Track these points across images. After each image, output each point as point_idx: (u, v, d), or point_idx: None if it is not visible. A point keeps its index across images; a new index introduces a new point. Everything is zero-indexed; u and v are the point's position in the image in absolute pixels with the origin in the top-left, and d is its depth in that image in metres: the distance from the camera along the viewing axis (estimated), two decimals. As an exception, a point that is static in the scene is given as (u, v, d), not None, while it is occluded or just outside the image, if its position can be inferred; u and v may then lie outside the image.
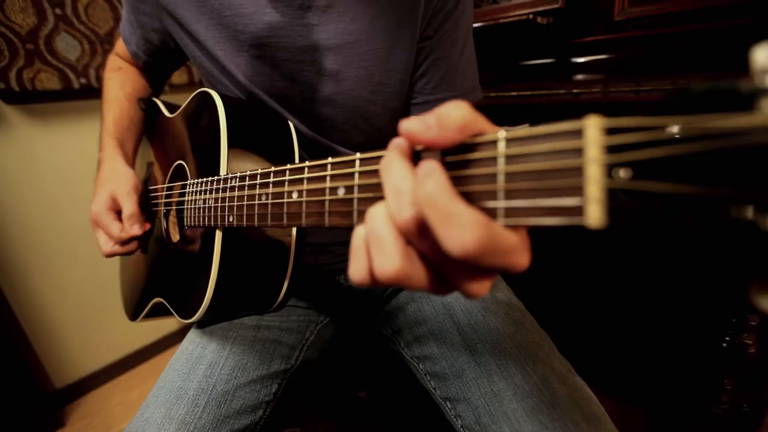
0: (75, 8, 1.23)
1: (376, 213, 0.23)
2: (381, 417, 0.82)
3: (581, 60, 0.98)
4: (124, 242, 0.60)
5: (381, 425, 0.82)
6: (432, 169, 0.20)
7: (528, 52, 1.07)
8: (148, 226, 0.60)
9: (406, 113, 0.64)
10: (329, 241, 0.65)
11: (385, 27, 0.54)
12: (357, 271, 0.24)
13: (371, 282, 0.24)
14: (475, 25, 1.03)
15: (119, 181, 0.60)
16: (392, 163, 0.23)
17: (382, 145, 0.25)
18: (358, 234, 0.24)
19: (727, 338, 0.83)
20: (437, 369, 0.55)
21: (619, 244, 0.99)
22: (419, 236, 0.21)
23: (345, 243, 0.66)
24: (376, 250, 0.22)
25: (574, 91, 0.95)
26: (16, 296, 1.27)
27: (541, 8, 0.95)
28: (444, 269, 0.22)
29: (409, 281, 0.22)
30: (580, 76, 0.99)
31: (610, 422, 0.45)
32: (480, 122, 0.22)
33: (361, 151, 0.27)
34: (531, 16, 0.95)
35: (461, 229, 0.19)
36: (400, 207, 0.21)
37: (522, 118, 1.06)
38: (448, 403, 0.52)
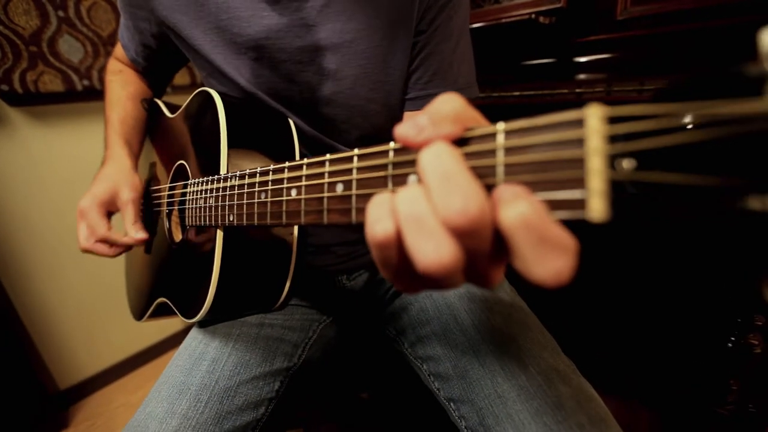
0: (78, 10, 1.24)
1: (414, 195, 0.20)
2: (383, 418, 0.82)
3: (584, 59, 0.98)
4: (124, 247, 0.61)
5: (383, 426, 0.82)
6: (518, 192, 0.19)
7: (530, 51, 1.06)
8: (145, 234, 0.62)
9: (402, 110, 0.64)
10: (331, 242, 0.65)
11: (383, 24, 0.54)
12: (379, 229, 0.21)
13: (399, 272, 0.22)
14: (478, 25, 1.03)
15: (124, 185, 0.61)
16: (442, 152, 0.20)
17: (378, 142, 0.25)
18: (382, 200, 0.22)
19: (733, 338, 0.82)
20: (441, 369, 0.54)
21: (623, 241, 0.99)
22: (473, 235, 0.19)
23: (347, 243, 0.65)
24: (418, 234, 0.20)
25: (577, 90, 0.94)
26: (20, 298, 1.28)
27: (543, 8, 0.94)
28: (480, 266, 0.21)
29: (450, 274, 0.20)
30: (582, 76, 0.98)
31: (615, 424, 0.44)
32: (472, 113, 0.21)
33: (359, 148, 0.26)
34: (533, 15, 0.95)
35: (558, 255, 0.17)
36: (449, 196, 0.19)
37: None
38: (452, 404, 0.52)
